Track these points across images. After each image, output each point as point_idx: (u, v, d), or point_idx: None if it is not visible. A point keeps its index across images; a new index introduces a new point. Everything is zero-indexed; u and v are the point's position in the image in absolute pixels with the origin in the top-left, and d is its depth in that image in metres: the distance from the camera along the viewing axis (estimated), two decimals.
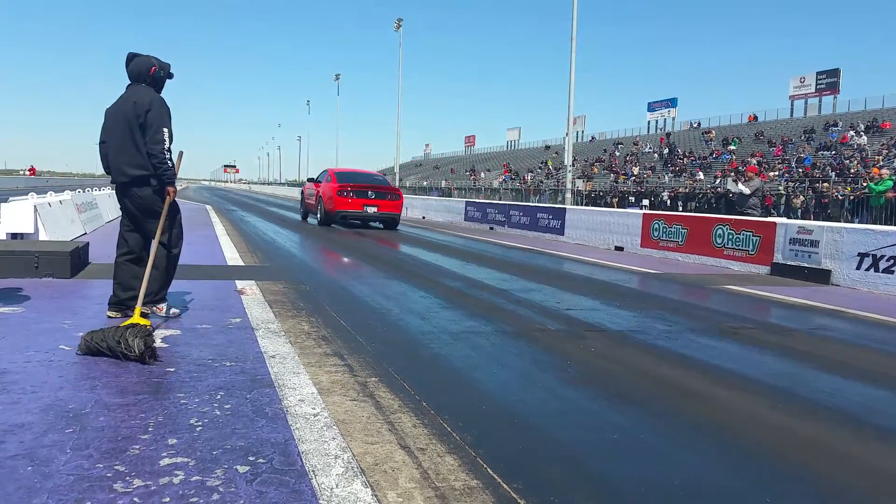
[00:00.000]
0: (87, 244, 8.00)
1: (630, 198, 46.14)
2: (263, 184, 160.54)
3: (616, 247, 14.32)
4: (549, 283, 8.48)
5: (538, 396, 3.76)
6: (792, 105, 58.77)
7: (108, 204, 15.74)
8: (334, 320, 5.43)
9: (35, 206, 9.13)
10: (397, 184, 78.55)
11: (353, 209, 17.20)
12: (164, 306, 5.12)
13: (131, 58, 5.03)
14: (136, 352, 3.77)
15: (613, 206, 46.57)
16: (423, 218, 26.47)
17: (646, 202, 42.44)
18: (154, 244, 4.90)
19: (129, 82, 5.02)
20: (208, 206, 27.46)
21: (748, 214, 12.49)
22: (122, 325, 4.07)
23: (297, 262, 9.68)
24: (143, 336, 3.85)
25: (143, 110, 4.77)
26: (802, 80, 57.44)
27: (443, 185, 78.28)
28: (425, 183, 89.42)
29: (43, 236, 9.18)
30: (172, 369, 3.70)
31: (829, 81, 55.18)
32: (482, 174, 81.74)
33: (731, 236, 11.43)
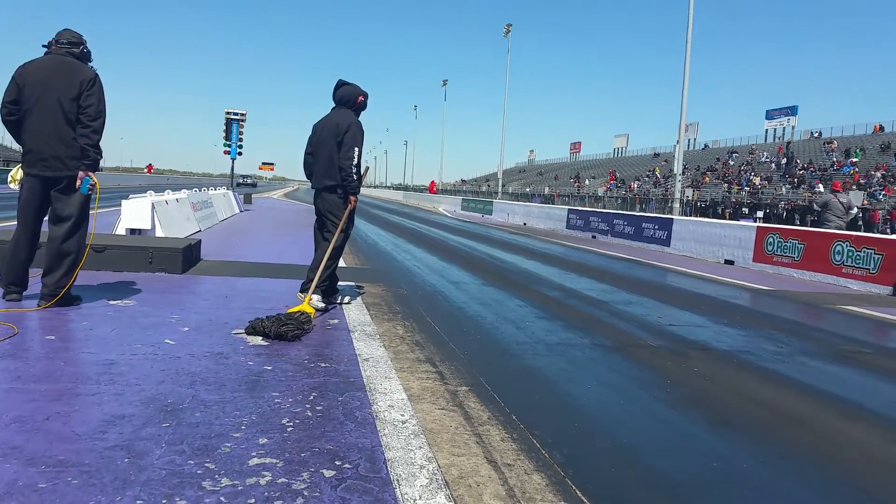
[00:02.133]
0: (200, 242, 8.39)
1: (743, 209, 44.08)
2: (369, 186, 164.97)
3: (726, 260, 13.66)
4: (651, 296, 8.16)
5: (634, 417, 3.58)
6: None
7: (222, 203, 16.53)
8: (429, 326, 5.42)
9: (153, 203, 9.67)
10: (500, 189, 78.78)
11: None
12: (314, 297, 5.49)
13: (340, 84, 5.89)
14: (288, 338, 4.42)
15: (725, 218, 44.63)
16: (525, 224, 26.28)
17: (760, 214, 40.41)
18: (330, 246, 5.61)
19: (334, 105, 5.87)
20: None
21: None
22: (290, 310, 4.95)
23: (397, 265, 9.78)
24: (297, 325, 4.54)
25: (342, 131, 5.59)
26: None
27: (545, 192, 77.64)
28: (528, 189, 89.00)
29: (159, 233, 9.70)
30: (270, 367, 3.78)
31: None
32: (587, 181, 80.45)
33: (850, 253, 10.65)
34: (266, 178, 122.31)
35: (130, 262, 7.03)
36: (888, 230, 33.81)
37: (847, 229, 12.44)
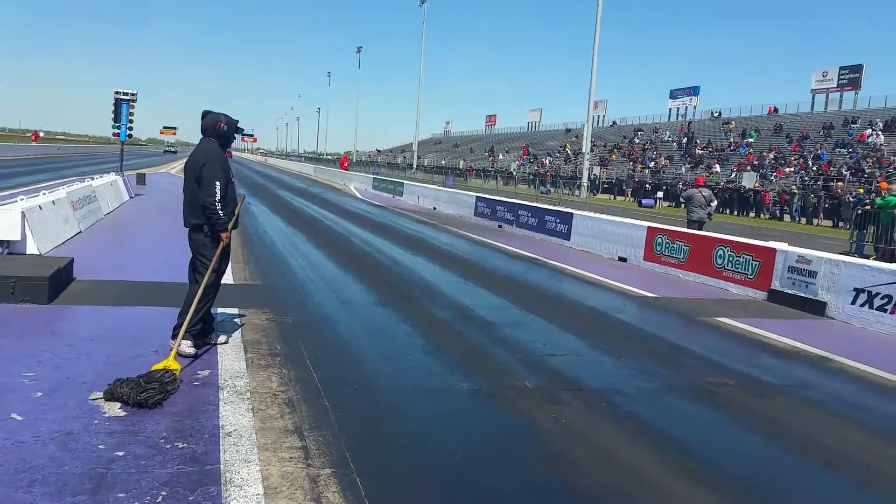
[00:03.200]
0: (71, 261, 7.91)
1: (647, 185, 45.66)
2: (280, 156, 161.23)
3: (620, 257, 14.11)
4: (541, 313, 8.31)
5: (494, 493, 3.63)
6: (813, 99, 57.70)
7: (107, 193, 15.69)
8: (307, 373, 5.31)
9: (23, 212, 9.03)
10: (415, 161, 78.45)
11: None
12: (184, 344, 5.32)
13: (204, 115, 5.63)
14: (149, 405, 4.26)
15: (628, 195, 46.12)
16: (434, 209, 26.31)
17: (660, 194, 42.00)
18: (200, 288, 5.39)
19: (201, 136, 5.64)
20: None
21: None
22: (154, 367, 4.72)
23: (290, 277, 9.57)
24: (160, 389, 4.39)
25: (199, 165, 5.38)
26: (825, 74, 56.20)
27: (460, 166, 77.90)
28: (443, 161, 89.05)
29: (30, 243, 9.08)
30: (122, 453, 3.62)
31: (851, 77, 53.96)
32: (501, 155, 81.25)
33: (731, 258, 11.22)
34: (168, 142, 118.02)
35: None
36: (777, 212, 35.80)
37: (707, 218, 14.81)
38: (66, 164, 41.71)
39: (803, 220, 33.55)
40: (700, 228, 14.64)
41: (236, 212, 5.77)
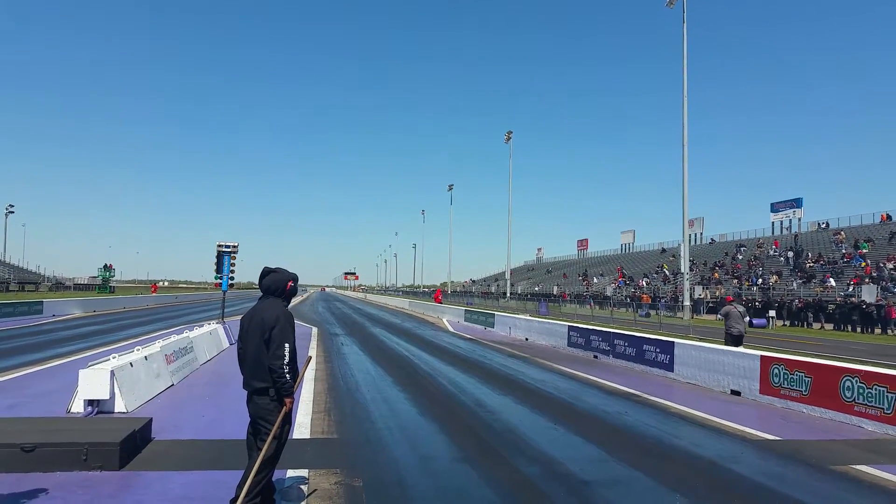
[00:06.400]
0: (149, 421, 7.79)
1: (756, 303, 43.22)
2: (379, 291, 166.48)
3: (733, 390, 12.88)
4: (644, 468, 7.38)
5: None
6: None
7: (205, 343, 15.99)
8: None
9: (112, 371, 9.17)
10: (508, 289, 78.78)
11: None
12: None
13: (266, 273, 5.44)
14: None
15: None
16: (527, 340, 25.61)
17: (772, 313, 39.54)
18: (260, 457, 5.08)
19: (262, 294, 5.45)
20: (314, 330, 27.84)
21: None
22: None
23: (367, 429, 9.06)
24: None
25: (269, 326, 5.14)
26: None
27: (554, 292, 77.14)
28: (537, 288, 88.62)
29: (118, 402, 9.18)
30: None
31: None
32: (595, 279, 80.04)
33: (861, 390, 9.93)
34: None
35: (63, 461, 6.45)
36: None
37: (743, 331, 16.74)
38: (180, 312, 43.89)
39: None
40: (741, 341, 16.50)
41: (301, 375, 5.48)
